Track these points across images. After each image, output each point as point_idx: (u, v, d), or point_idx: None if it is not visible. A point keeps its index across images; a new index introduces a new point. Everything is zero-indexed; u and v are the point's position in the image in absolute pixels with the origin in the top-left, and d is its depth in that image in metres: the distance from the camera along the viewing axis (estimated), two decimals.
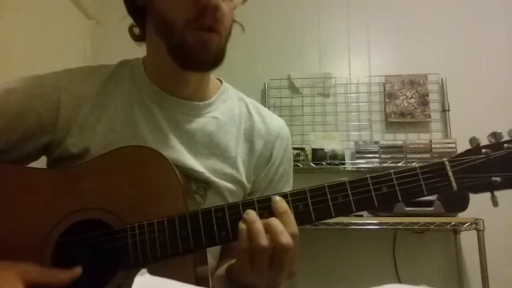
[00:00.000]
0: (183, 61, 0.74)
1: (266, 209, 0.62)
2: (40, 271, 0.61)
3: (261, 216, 0.61)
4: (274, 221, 0.60)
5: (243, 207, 0.63)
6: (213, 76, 0.89)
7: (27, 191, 0.68)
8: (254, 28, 2.40)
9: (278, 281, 0.62)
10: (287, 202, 0.62)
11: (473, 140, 0.61)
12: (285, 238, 0.58)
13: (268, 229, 0.59)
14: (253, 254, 0.59)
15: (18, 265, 0.60)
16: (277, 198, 0.62)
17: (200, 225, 0.63)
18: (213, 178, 0.78)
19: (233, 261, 0.68)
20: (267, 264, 0.60)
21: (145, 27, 0.81)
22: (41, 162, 0.80)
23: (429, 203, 1.89)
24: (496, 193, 0.60)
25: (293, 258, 0.61)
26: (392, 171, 0.61)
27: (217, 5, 0.70)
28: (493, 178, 0.59)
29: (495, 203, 0.60)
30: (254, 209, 0.62)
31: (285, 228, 0.59)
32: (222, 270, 0.74)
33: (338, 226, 1.97)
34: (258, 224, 0.60)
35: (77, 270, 0.62)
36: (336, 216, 0.62)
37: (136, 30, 0.84)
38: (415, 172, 0.61)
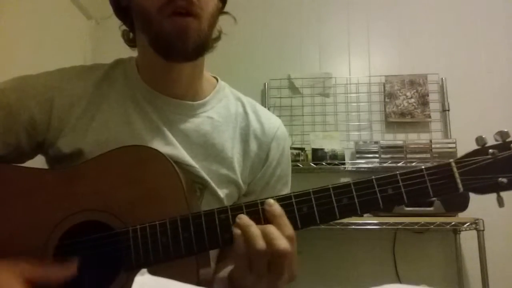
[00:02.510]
0: (163, 51, 0.72)
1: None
2: (39, 270, 0.61)
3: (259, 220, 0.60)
4: (269, 227, 0.58)
5: (246, 209, 0.61)
6: (209, 74, 0.87)
7: (25, 193, 0.67)
8: (254, 28, 2.40)
9: (278, 285, 0.60)
10: (291, 204, 0.61)
11: (479, 140, 0.60)
12: (283, 243, 0.57)
13: (264, 236, 0.57)
14: (251, 259, 0.58)
15: (18, 265, 0.59)
16: (271, 201, 0.61)
17: (203, 228, 0.61)
18: (209, 179, 0.76)
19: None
20: (266, 268, 0.58)
21: (135, 29, 0.79)
22: (40, 162, 0.79)
23: (429, 203, 1.88)
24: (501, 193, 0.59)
25: (292, 261, 0.59)
26: (397, 172, 0.60)
27: None
28: (500, 179, 0.58)
29: (500, 203, 0.59)
30: (257, 211, 0.61)
31: (281, 233, 0.58)
32: (225, 272, 0.73)
33: (338, 226, 1.97)
34: (254, 228, 0.58)
35: (75, 265, 0.61)
36: (341, 218, 0.61)
37: (130, 35, 0.82)
38: (421, 173, 0.60)
